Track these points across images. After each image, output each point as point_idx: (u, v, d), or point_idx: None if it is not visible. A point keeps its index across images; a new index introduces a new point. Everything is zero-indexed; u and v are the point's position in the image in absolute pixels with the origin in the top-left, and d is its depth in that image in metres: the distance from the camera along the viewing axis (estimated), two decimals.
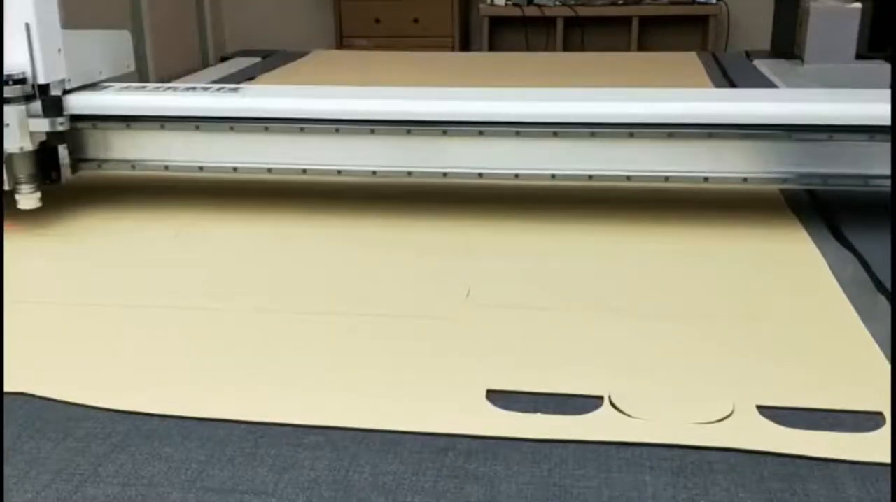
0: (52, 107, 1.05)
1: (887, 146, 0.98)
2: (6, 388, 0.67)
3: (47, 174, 1.09)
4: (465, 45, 3.72)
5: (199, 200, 1.16)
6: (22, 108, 1.02)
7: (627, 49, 3.46)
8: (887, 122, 0.97)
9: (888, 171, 0.98)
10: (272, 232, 1.06)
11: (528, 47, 3.61)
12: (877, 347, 0.74)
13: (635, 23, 3.48)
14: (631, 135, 1.02)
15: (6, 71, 1.01)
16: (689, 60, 2.38)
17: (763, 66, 2.20)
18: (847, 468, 0.58)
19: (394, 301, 0.85)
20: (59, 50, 1.06)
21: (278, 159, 1.08)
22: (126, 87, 1.15)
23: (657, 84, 1.67)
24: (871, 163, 0.99)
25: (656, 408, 0.65)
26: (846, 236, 1.01)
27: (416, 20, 3.55)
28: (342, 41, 3.60)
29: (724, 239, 1.01)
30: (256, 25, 3.79)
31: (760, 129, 1.01)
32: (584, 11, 3.49)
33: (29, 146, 1.04)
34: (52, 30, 1.04)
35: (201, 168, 1.10)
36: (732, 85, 1.98)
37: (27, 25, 1.01)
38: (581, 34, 3.58)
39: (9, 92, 1.01)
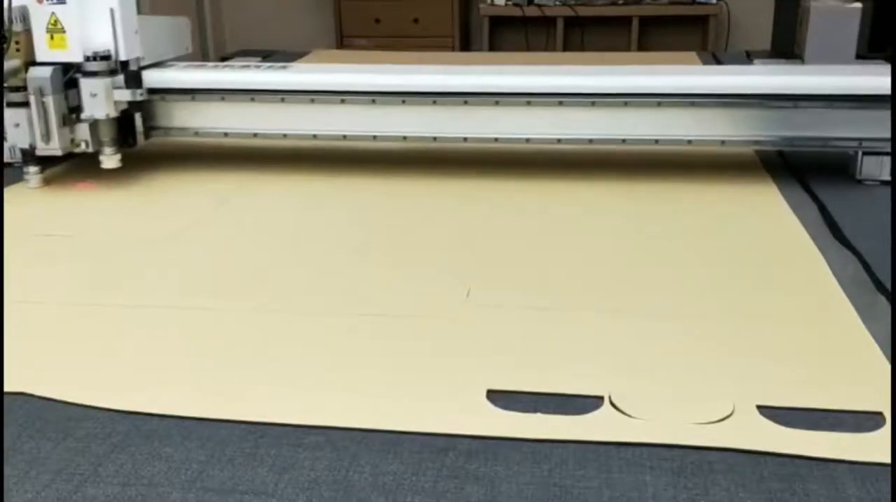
0: (133, 79, 1.24)
1: (844, 112, 1.19)
2: (6, 388, 0.67)
3: (125, 139, 1.29)
4: (466, 45, 3.72)
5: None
6: (108, 80, 1.21)
7: (627, 49, 3.45)
8: (843, 91, 1.18)
9: (845, 134, 1.20)
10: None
11: (528, 47, 3.61)
12: (877, 347, 0.74)
13: (635, 23, 3.47)
14: (626, 104, 1.22)
15: (91, 49, 1.20)
16: (689, 60, 2.38)
17: (763, 65, 2.19)
18: (847, 468, 0.58)
19: (394, 301, 0.85)
20: (136, 31, 1.25)
21: (322, 126, 1.29)
22: (189, 65, 1.36)
23: None
24: (830, 127, 1.20)
25: (656, 408, 0.65)
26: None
27: (416, 20, 3.54)
28: (342, 41, 3.60)
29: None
30: (256, 25, 3.78)
31: (736, 98, 1.21)
32: (584, 11, 3.48)
33: (113, 113, 1.23)
34: (131, 14, 1.24)
35: (255, 135, 1.31)
36: None
37: (111, 10, 1.21)
38: (581, 34, 3.57)
39: (96, 66, 1.21)
